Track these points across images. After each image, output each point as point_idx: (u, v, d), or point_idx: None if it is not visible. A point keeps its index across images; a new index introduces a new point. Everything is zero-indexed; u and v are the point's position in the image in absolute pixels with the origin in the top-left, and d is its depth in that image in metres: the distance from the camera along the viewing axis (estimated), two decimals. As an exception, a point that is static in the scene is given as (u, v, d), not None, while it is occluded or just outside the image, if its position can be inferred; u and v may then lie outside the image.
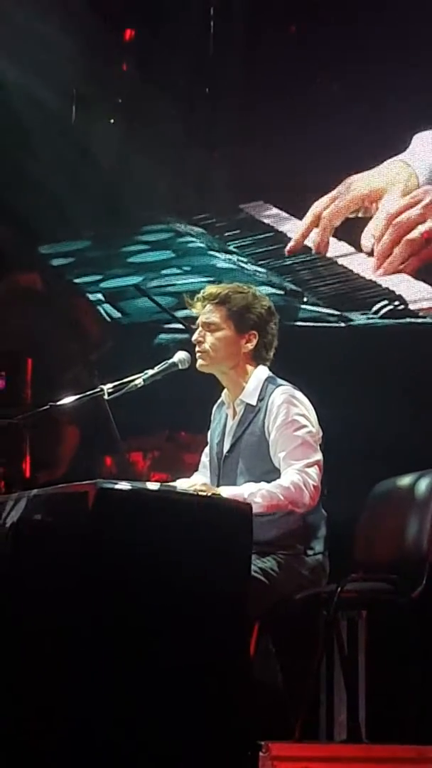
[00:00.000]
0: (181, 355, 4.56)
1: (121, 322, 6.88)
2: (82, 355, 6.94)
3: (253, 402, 4.48)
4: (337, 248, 6.57)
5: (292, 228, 6.76)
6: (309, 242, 6.57)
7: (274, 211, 7.03)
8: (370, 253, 6.31)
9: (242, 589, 3.84)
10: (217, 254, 7.04)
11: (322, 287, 6.62)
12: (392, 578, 4.50)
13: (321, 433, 4.44)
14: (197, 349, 4.54)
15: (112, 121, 7.34)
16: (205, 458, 4.73)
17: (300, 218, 6.64)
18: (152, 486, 3.92)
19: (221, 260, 6.99)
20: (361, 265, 6.47)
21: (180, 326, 6.47)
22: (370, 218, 6.24)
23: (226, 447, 4.55)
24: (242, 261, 6.94)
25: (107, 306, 6.95)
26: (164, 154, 6.91)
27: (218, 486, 4.40)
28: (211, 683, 3.69)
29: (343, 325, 6.44)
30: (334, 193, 6.27)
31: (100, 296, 7.03)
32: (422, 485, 4.66)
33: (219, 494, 4.16)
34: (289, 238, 6.71)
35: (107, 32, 7.16)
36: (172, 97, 7.01)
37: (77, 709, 3.55)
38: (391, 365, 6.14)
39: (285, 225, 6.91)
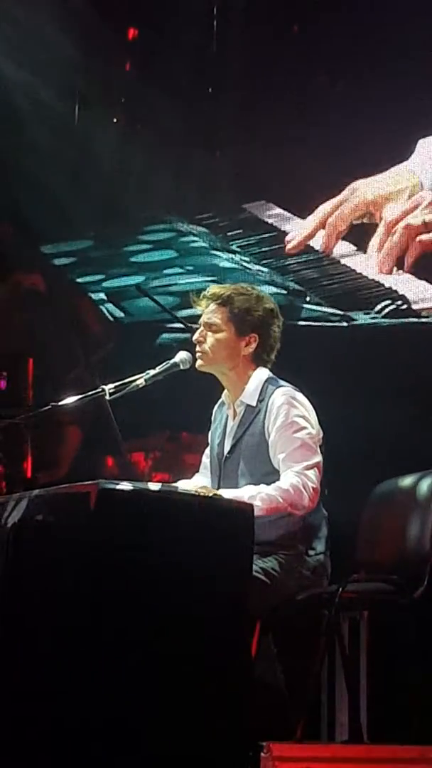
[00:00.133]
0: (182, 355, 4.56)
1: (123, 321, 6.88)
2: (84, 355, 6.94)
3: (253, 403, 4.48)
4: (340, 248, 6.57)
5: (295, 227, 6.75)
6: (314, 243, 6.57)
7: (277, 210, 7.03)
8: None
9: (244, 589, 3.84)
10: (219, 254, 7.04)
11: (325, 286, 6.62)
12: (393, 579, 4.49)
13: (321, 434, 4.43)
14: (197, 349, 4.54)
15: (115, 120, 7.34)
16: (206, 459, 4.73)
17: (303, 217, 6.64)
18: (154, 486, 3.92)
19: (224, 260, 6.99)
20: (364, 264, 6.46)
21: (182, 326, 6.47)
22: (375, 224, 6.24)
23: (227, 448, 4.54)
24: (245, 260, 6.93)
25: (109, 305, 6.95)
26: (167, 153, 6.91)
27: (219, 487, 4.40)
28: (212, 683, 3.70)
29: (345, 324, 6.44)
30: (339, 198, 6.27)
31: (102, 296, 7.03)
32: (424, 486, 4.65)
33: (220, 496, 4.16)
34: (292, 238, 6.70)
35: (110, 32, 7.16)
36: (175, 96, 7.00)
37: (78, 709, 3.55)
38: (393, 365, 6.13)
39: (288, 224, 6.90)
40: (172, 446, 6.64)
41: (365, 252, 6.39)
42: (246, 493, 4.23)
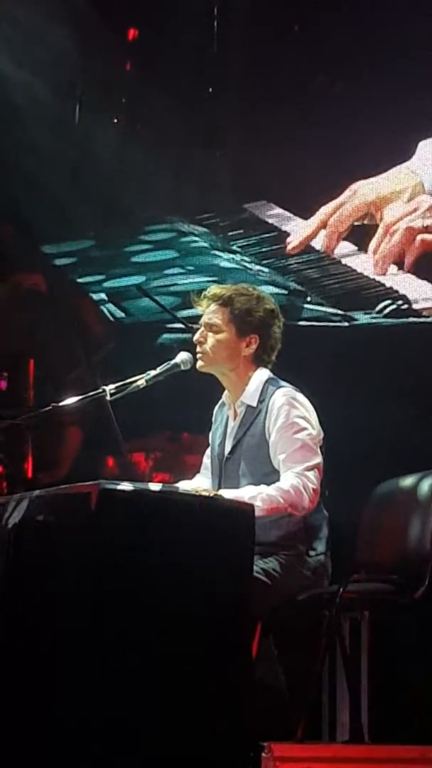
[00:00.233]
0: (183, 356, 4.56)
1: (123, 322, 6.88)
2: (85, 356, 6.93)
3: (254, 404, 4.48)
4: (340, 248, 6.55)
5: (296, 227, 6.74)
6: (315, 244, 6.56)
7: (278, 210, 7.03)
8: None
9: (244, 589, 3.84)
10: (220, 254, 7.04)
11: (326, 286, 6.62)
12: (394, 579, 4.49)
13: (322, 434, 4.43)
14: (198, 349, 4.53)
15: (115, 120, 7.34)
16: (206, 460, 4.73)
17: (303, 217, 6.58)
18: (154, 487, 3.92)
19: (224, 260, 6.99)
20: (365, 265, 6.46)
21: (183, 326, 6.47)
22: (376, 225, 6.23)
23: (228, 449, 4.54)
24: (245, 260, 6.93)
25: (110, 306, 6.95)
26: (167, 153, 6.91)
27: (220, 487, 4.40)
28: (213, 684, 3.69)
29: (346, 324, 6.43)
30: (340, 199, 6.26)
31: (103, 296, 7.02)
32: (424, 486, 4.65)
33: (220, 496, 4.16)
34: (293, 238, 6.69)
35: (110, 32, 7.16)
36: (175, 96, 7.00)
37: (79, 709, 3.55)
38: (394, 365, 6.13)
39: (288, 224, 6.89)
40: (173, 447, 6.64)
41: (366, 252, 6.39)
42: (246, 493, 4.23)
